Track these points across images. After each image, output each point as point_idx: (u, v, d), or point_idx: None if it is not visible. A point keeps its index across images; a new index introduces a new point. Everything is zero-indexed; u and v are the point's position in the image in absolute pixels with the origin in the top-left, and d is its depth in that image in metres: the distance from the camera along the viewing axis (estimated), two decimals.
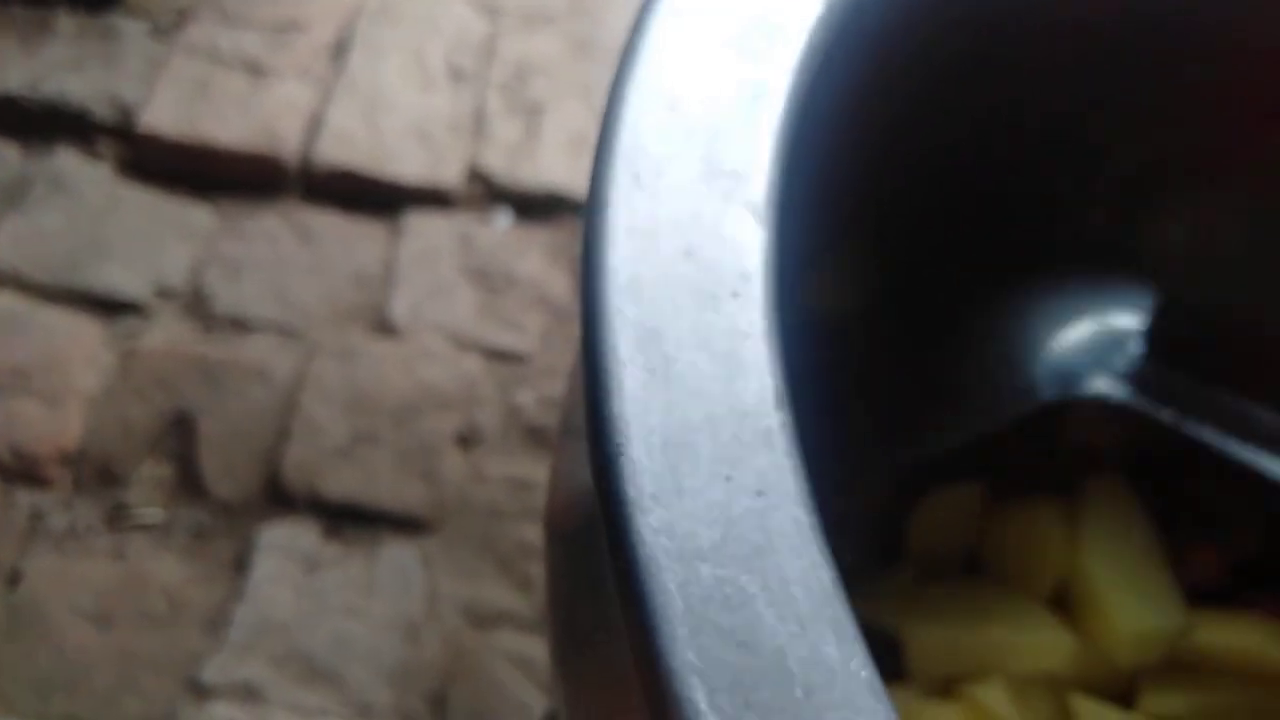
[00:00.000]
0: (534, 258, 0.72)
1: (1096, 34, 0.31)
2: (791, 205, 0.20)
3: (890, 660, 0.38)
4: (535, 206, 0.74)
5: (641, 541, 0.16)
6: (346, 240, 0.71)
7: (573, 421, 0.26)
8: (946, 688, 0.37)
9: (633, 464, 0.16)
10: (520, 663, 0.58)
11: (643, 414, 0.17)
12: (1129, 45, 0.31)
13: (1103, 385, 0.37)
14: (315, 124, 0.75)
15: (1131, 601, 0.37)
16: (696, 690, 0.14)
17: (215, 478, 0.61)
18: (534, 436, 0.66)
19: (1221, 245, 0.38)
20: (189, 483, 0.61)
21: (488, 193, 0.75)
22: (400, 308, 0.69)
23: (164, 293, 0.67)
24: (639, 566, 0.16)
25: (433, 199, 0.74)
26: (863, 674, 0.15)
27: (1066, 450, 0.41)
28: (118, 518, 0.60)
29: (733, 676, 0.15)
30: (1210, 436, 0.35)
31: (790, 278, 0.19)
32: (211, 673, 0.56)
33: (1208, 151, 0.36)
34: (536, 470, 0.65)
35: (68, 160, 0.72)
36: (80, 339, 0.65)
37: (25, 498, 0.60)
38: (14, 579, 0.58)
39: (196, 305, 0.67)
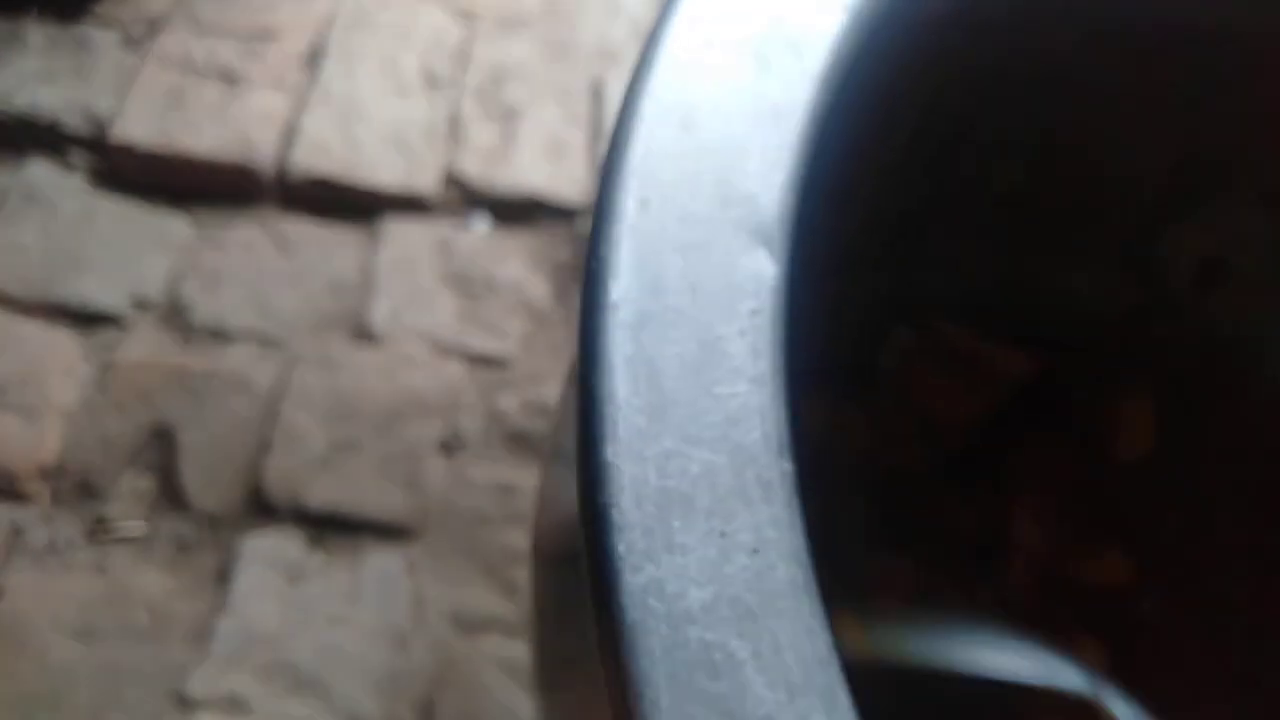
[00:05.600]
0: (513, 262, 0.72)
1: (1120, 50, 0.30)
2: (806, 226, 0.19)
3: None
4: (513, 211, 0.74)
5: (629, 603, 0.15)
6: (324, 248, 0.71)
7: (561, 442, 0.25)
8: None
9: (624, 517, 0.15)
10: (508, 668, 0.58)
11: (637, 462, 0.16)
12: (1154, 61, 0.31)
13: None
14: (291, 132, 0.74)
15: None
16: None
17: (197, 489, 0.61)
18: (517, 441, 0.66)
19: None
20: (170, 494, 0.61)
21: (465, 198, 0.75)
22: (380, 315, 0.69)
23: (141, 304, 0.67)
24: (624, 629, 0.15)
25: (410, 205, 0.73)
26: None
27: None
28: (99, 531, 0.59)
29: None
30: None
31: (803, 299, 0.19)
32: (197, 685, 0.55)
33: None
34: (520, 475, 0.65)
35: (41, 172, 0.71)
36: (57, 352, 0.65)
37: (4, 513, 0.59)
38: None
39: (175, 316, 0.67)
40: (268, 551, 0.60)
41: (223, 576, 0.59)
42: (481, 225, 0.74)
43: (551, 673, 0.24)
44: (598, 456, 0.16)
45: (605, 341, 0.17)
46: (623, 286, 0.17)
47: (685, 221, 0.18)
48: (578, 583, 0.21)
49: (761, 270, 0.18)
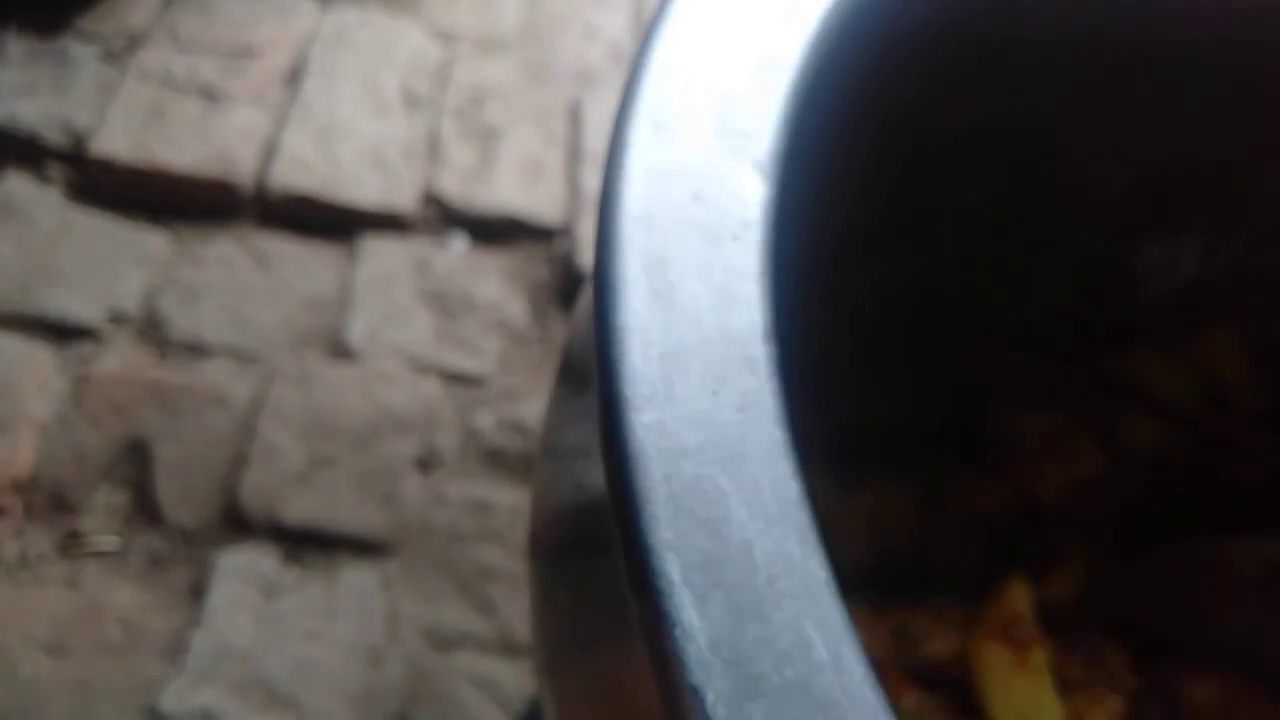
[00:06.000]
0: (491, 281, 0.73)
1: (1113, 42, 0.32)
2: (797, 163, 0.22)
3: None
4: (491, 230, 0.75)
5: (634, 435, 0.17)
6: (302, 265, 0.71)
7: (552, 443, 0.27)
8: None
9: (632, 368, 0.18)
10: (482, 683, 0.59)
11: (645, 328, 0.18)
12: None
13: None
14: (270, 149, 0.75)
15: None
16: (672, 565, 0.16)
17: (172, 504, 0.61)
18: (493, 459, 0.66)
19: None
20: (145, 509, 0.61)
21: (443, 217, 0.75)
22: (357, 332, 0.69)
23: (118, 318, 0.67)
24: (630, 455, 0.17)
25: (388, 223, 0.74)
26: (820, 574, 0.16)
27: None
28: (72, 545, 0.59)
29: (704, 558, 0.16)
30: None
31: (791, 227, 0.21)
32: (170, 701, 0.55)
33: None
34: (496, 492, 0.65)
35: (18, 185, 0.71)
36: (32, 365, 0.64)
37: None
38: None
39: (151, 331, 0.67)
40: (243, 567, 0.60)
41: (197, 592, 0.59)
42: (459, 244, 0.74)
43: (554, 659, 0.25)
44: (613, 319, 0.18)
45: (619, 232, 0.19)
46: (636, 189, 0.20)
47: (691, 142, 0.21)
48: (575, 570, 0.22)
49: (753, 189, 0.21)
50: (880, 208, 0.32)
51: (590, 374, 0.24)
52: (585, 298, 0.29)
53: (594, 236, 0.20)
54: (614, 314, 0.18)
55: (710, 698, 0.14)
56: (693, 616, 0.15)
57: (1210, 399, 0.41)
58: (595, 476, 0.23)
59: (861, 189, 0.30)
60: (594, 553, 0.22)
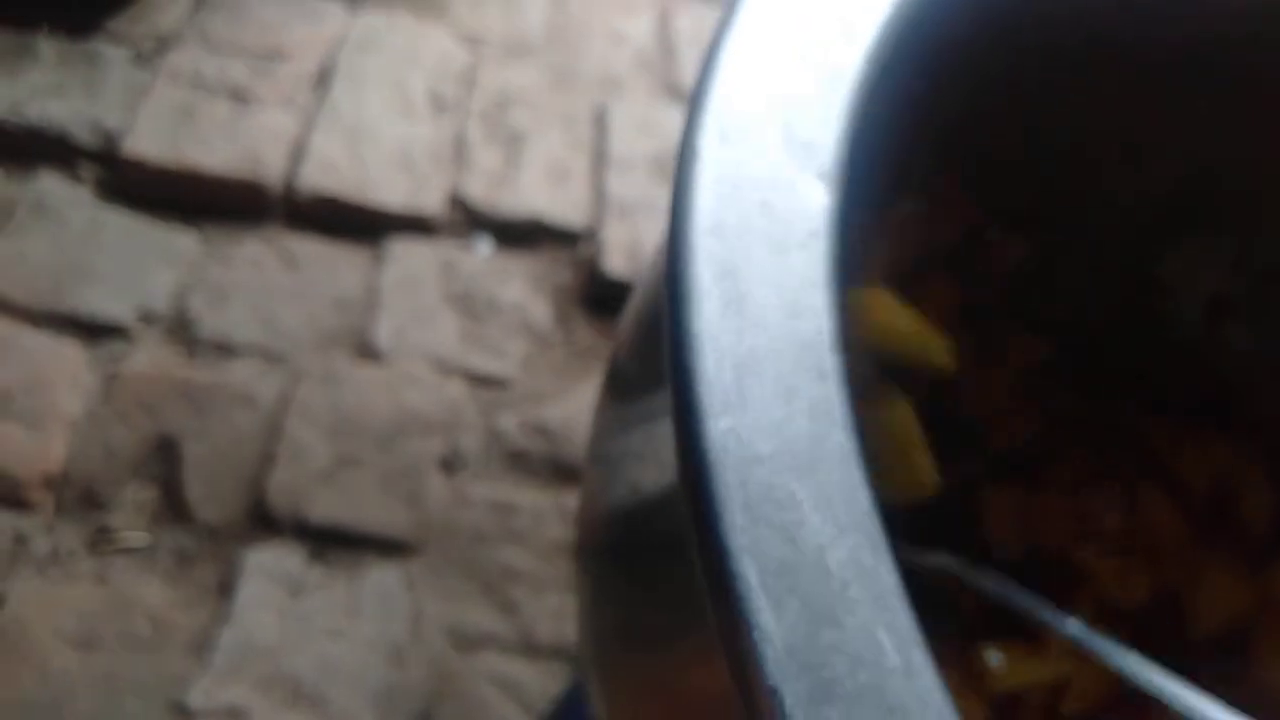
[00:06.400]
0: (515, 284, 0.73)
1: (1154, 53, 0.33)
2: (858, 174, 0.22)
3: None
4: (516, 234, 0.76)
5: (710, 442, 0.18)
6: (330, 266, 0.72)
7: (601, 448, 0.27)
8: None
9: (707, 376, 0.18)
10: (504, 684, 0.59)
11: (718, 336, 0.19)
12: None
13: None
14: (299, 151, 0.75)
15: None
16: (749, 569, 0.16)
17: (200, 501, 0.62)
18: (516, 461, 0.67)
19: None
20: (173, 506, 0.62)
21: (469, 220, 0.76)
22: (383, 333, 0.70)
23: (148, 317, 0.68)
24: (707, 462, 0.17)
25: (415, 226, 0.75)
26: (890, 579, 0.17)
27: None
28: (101, 541, 0.60)
29: (780, 563, 0.16)
30: None
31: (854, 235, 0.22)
32: (196, 696, 0.56)
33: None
34: (519, 494, 0.66)
35: (50, 184, 0.72)
36: (63, 362, 0.65)
37: (7, 521, 0.60)
38: None
39: (181, 329, 0.68)
40: (269, 565, 0.60)
41: (224, 589, 0.59)
42: (485, 247, 0.75)
43: (607, 657, 0.25)
44: (688, 327, 0.19)
45: (691, 242, 0.20)
46: (706, 199, 0.21)
47: (758, 153, 0.21)
48: (628, 573, 0.22)
49: (819, 199, 0.21)
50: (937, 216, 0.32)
51: (640, 382, 0.25)
52: (632, 306, 0.29)
53: (665, 245, 0.20)
54: (688, 323, 0.19)
55: (789, 700, 0.15)
56: (770, 620, 0.15)
57: None
58: (648, 479, 0.23)
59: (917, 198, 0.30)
60: (651, 554, 0.22)
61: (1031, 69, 0.30)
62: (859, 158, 0.22)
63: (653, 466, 0.22)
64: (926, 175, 0.29)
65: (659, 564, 0.21)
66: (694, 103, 0.22)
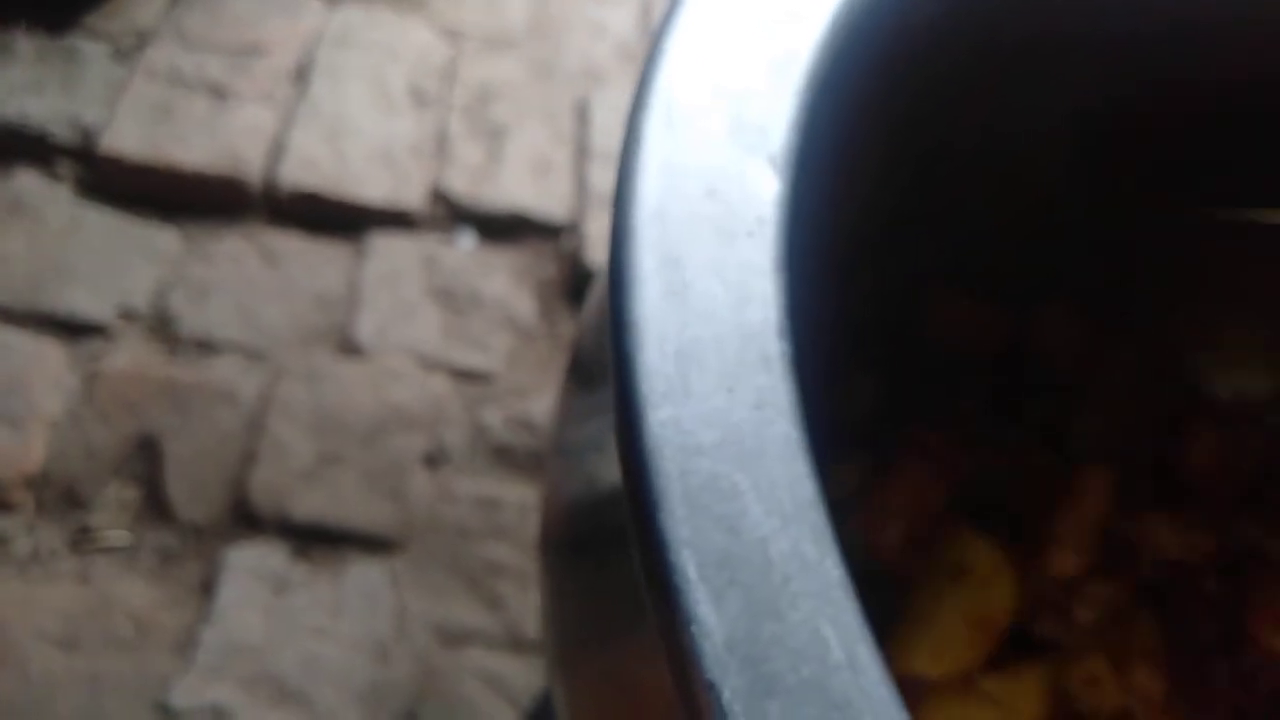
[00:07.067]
0: (498, 278, 0.73)
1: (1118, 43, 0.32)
2: (809, 161, 0.22)
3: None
4: (499, 228, 0.75)
5: (650, 432, 0.17)
6: (311, 262, 0.72)
7: (562, 439, 0.27)
8: None
9: (648, 365, 0.18)
10: (490, 680, 0.59)
11: (660, 325, 0.18)
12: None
13: None
14: (278, 147, 0.75)
15: None
16: (688, 562, 0.16)
17: (182, 500, 0.61)
18: (501, 456, 0.66)
19: None
20: (155, 505, 0.61)
21: (451, 214, 0.75)
22: (366, 329, 0.69)
23: (128, 315, 0.67)
24: (646, 453, 0.17)
25: (396, 221, 0.74)
26: (835, 572, 0.16)
27: None
28: (83, 541, 0.60)
29: (720, 555, 0.16)
30: None
31: (805, 222, 0.21)
32: (180, 696, 0.56)
33: None
34: (503, 489, 0.65)
35: (28, 182, 0.71)
36: (43, 361, 0.65)
37: None
38: None
39: (161, 327, 0.67)
40: (252, 563, 0.60)
41: (207, 587, 0.59)
42: (467, 241, 0.75)
43: (566, 653, 0.25)
44: (627, 316, 0.19)
45: (634, 228, 0.19)
46: (650, 185, 0.20)
47: (704, 139, 0.21)
48: (587, 563, 0.22)
49: (767, 185, 0.21)
50: (892, 205, 0.32)
51: (600, 370, 0.24)
52: (594, 294, 0.29)
53: (608, 233, 0.20)
54: (629, 310, 0.18)
55: (726, 695, 0.14)
56: (709, 613, 0.15)
57: None
58: (606, 471, 0.23)
59: (875, 188, 0.30)
60: (606, 547, 0.22)
61: (984, 62, 0.30)
62: (810, 145, 0.21)
63: (609, 458, 0.22)
64: (880, 164, 0.29)
65: (610, 557, 0.21)
66: (640, 87, 0.21)
